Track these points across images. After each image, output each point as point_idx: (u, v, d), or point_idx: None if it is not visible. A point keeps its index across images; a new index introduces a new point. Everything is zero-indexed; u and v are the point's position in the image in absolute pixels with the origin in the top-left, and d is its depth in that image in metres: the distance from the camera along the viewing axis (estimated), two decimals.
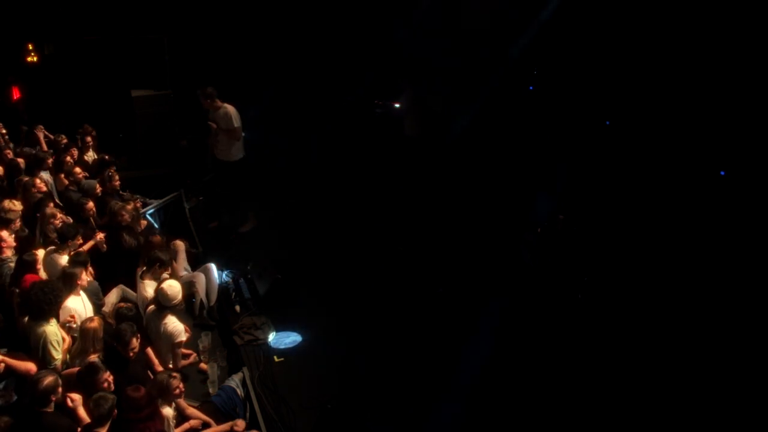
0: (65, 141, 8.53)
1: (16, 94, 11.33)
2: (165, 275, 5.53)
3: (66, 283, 4.89)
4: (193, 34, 12.04)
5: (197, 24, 12.00)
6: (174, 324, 4.92)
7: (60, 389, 3.85)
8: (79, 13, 10.95)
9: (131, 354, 4.45)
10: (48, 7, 10.83)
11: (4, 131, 8.53)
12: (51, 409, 3.80)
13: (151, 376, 4.73)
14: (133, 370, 4.45)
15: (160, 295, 4.93)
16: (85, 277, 5.07)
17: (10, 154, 7.70)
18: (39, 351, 4.40)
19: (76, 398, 4.03)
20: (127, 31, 11.21)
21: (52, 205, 6.33)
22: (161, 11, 11.31)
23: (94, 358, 4.49)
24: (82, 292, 5.09)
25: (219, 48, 12.32)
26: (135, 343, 4.46)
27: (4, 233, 5.39)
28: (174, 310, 4.97)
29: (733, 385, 5.47)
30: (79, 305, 4.94)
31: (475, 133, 10.83)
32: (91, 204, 6.48)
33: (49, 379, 3.77)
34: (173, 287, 4.94)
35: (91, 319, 4.60)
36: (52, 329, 4.51)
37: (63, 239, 5.51)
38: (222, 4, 12.22)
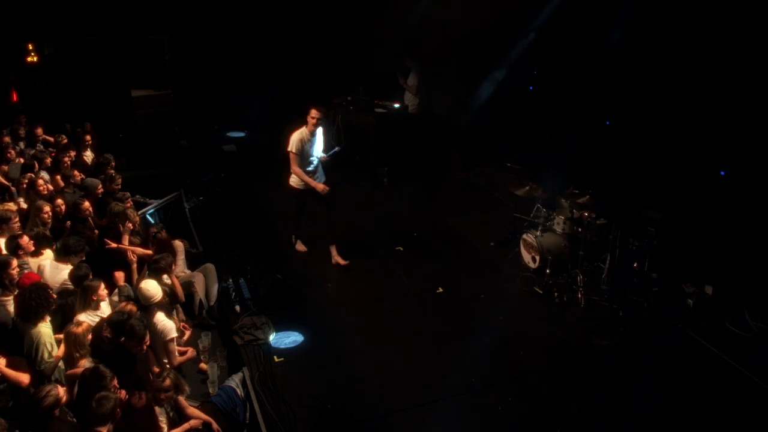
0: (65, 141, 8.53)
1: (15, 95, 11.35)
2: (165, 277, 5.53)
3: (81, 295, 4.83)
4: (193, 34, 12.06)
5: (197, 24, 12.02)
6: (163, 322, 4.92)
7: (62, 401, 3.82)
8: (79, 13, 10.96)
9: (144, 347, 4.45)
10: (48, 7, 10.84)
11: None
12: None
13: (151, 378, 4.73)
14: (139, 371, 4.45)
15: (140, 297, 4.93)
16: (104, 292, 4.96)
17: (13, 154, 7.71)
18: (32, 352, 4.38)
19: None
20: (127, 31, 11.22)
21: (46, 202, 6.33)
22: (161, 11, 11.32)
23: (85, 362, 4.38)
24: (103, 306, 5.00)
25: (219, 47, 12.33)
26: (148, 337, 4.48)
27: (25, 240, 5.39)
28: (159, 306, 4.97)
29: (734, 385, 5.47)
30: (94, 320, 4.81)
31: (475, 134, 10.84)
32: (87, 204, 6.44)
33: (50, 399, 3.70)
34: (148, 288, 4.93)
35: (77, 324, 4.54)
36: (47, 331, 4.47)
37: (67, 252, 5.47)
38: (222, 4, 12.24)
